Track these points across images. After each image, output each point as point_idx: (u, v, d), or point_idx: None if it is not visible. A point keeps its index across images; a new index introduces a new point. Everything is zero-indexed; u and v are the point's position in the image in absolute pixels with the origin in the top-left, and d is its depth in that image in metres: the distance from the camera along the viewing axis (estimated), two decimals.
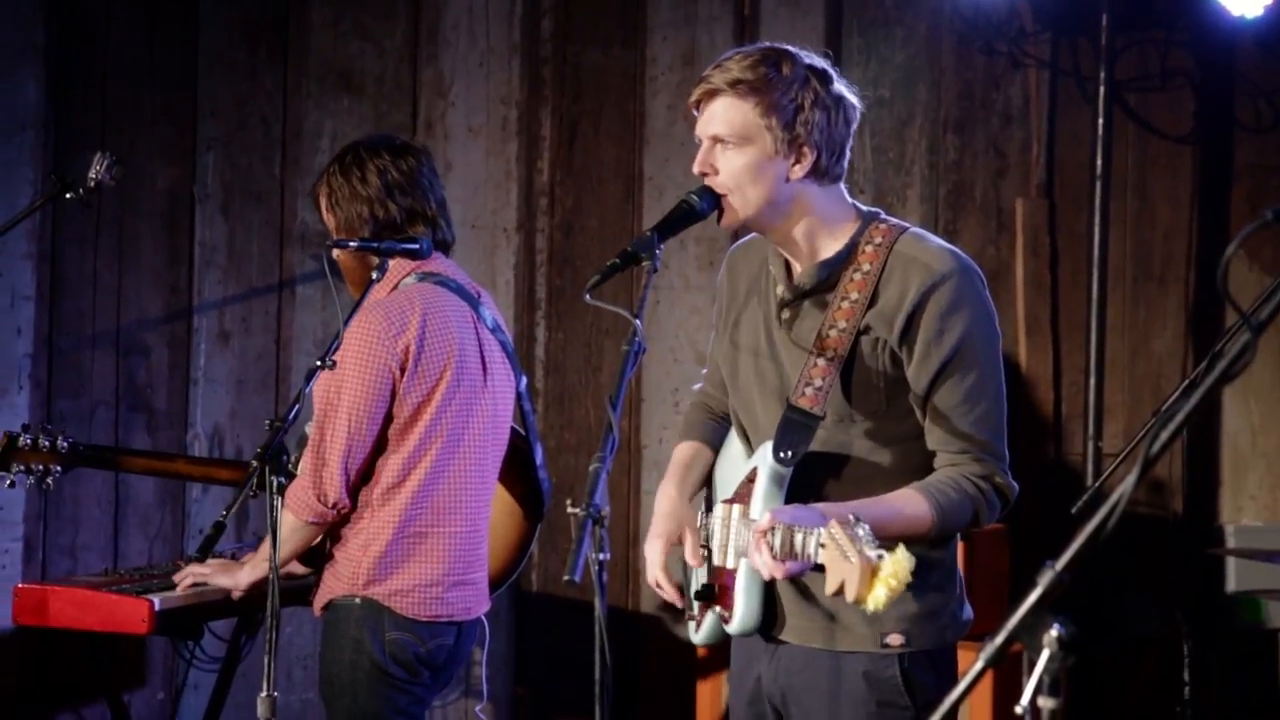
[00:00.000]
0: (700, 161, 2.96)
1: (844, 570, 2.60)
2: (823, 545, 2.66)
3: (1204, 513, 5.63)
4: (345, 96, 5.41)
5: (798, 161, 2.93)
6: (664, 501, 3.10)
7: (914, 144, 5.59)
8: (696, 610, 3.10)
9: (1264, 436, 5.67)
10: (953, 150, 5.62)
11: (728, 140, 2.92)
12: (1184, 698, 4.90)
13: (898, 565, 2.56)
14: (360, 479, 3.73)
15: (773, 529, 2.77)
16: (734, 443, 3.16)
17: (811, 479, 2.93)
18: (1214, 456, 5.67)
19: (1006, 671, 4.56)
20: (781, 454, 2.90)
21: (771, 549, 2.76)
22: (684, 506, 3.10)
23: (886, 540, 2.64)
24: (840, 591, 2.61)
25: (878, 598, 2.57)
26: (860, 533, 2.61)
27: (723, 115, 2.93)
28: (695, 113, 2.99)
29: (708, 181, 2.95)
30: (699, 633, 3.12)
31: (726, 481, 3.14)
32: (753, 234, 3.16)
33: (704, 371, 3.35)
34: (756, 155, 2.91)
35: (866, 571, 2.57)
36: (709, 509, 3.14)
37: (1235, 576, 5.32)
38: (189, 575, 3.98)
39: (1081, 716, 5.42)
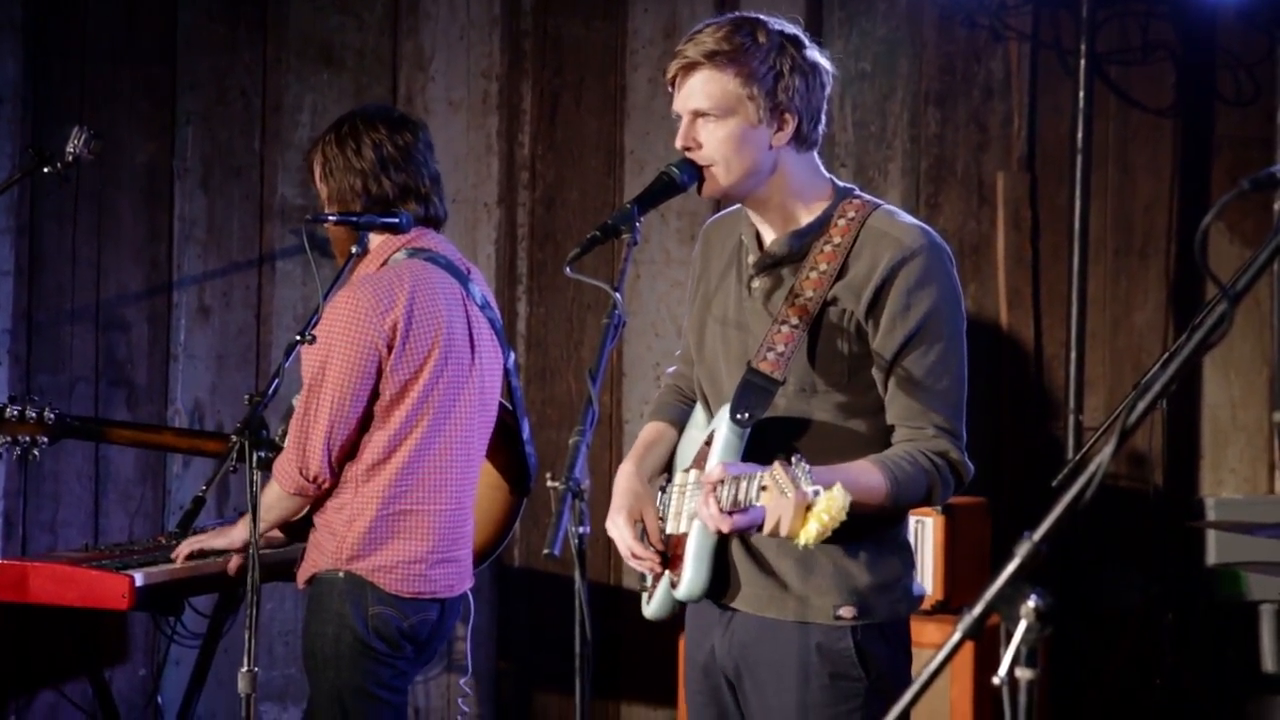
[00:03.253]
0: (683, 136, 2.94)
1: (780, 507, 2.59)
2: (764, 488, 2.66)
3: (1184, 486, 5.65)
4: (325, 70, 5.39)
5: (780, 129, 2.92)
6: (621, 479, 3.09)
7: (895, 117, 5.58)
8: (650, 582, 3.09)
9: (1244, 410, 5.68)
10: (934, 124, 5.62)
11: (709, 113, 2.91)
12: (1163, 670, 4.91)
13: (831, 501, 2.56)
14: (345, 454, 3.73)
15: (721, 481, 2.77)
16: (697, 415, 3.15)
17: (770, 446, 2.91)
18: (1194, 429, 5.69)
19: (986, 643, 4.57)
20: (739, 415, 2.89)
21: (719, 501, 2.75)
22: (642, 484, 3.08)
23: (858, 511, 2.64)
24: (776, 530, 2.61)
25: (809, 532, 2.57)
26: (799, 471, 2.61)
27: (702, 88, 2.91)
28: (671, 89, 2.97)
29: (690, 155, 2.94)
30: (650, 604, 3.09)
31: (682, 453, 3.14)
32: (729, 208, 3.16)
33: (677, 353, 3.34)
34: (739, 125, 2.90)
35: (800, 506, 2.57)
36: (668, 483, 3.14)
37: (1215, 549, 5.33)
38: (186, 546, 3.99)
39: (1061, 688, 5.43)
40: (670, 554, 3.02)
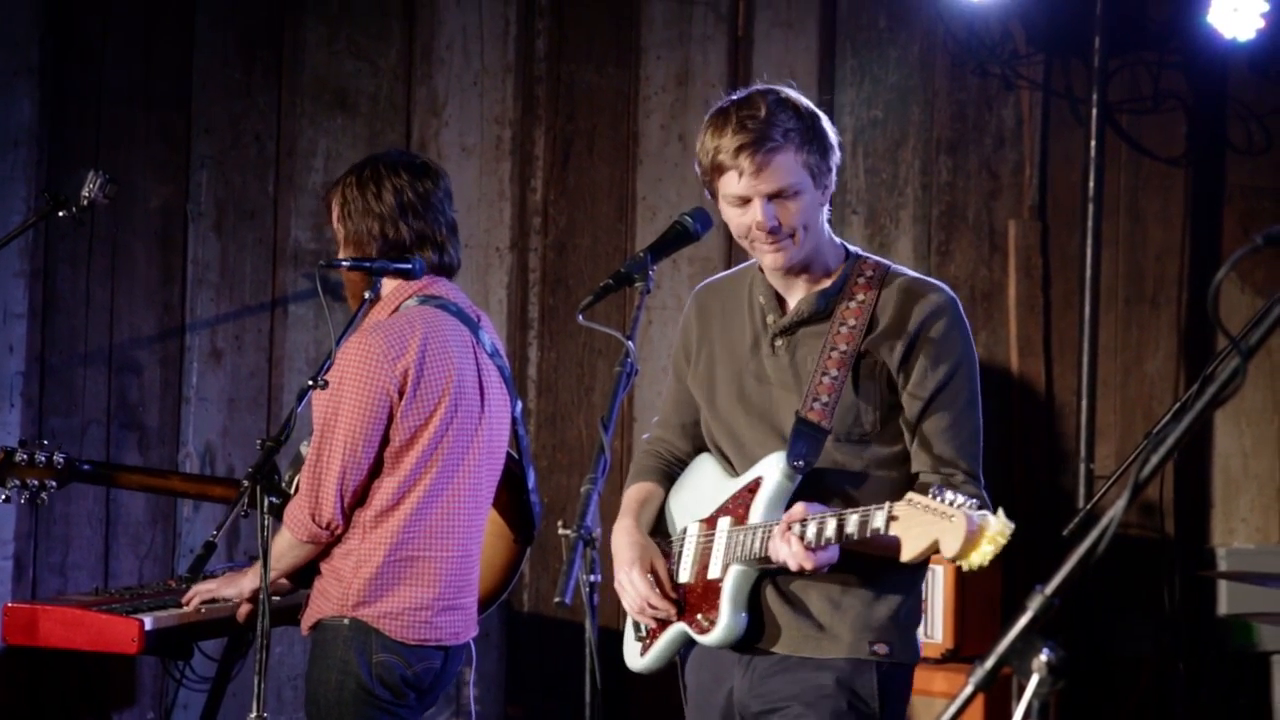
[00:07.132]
0: (768, 215, 2.96)
1: (938, 530, 2.64)
2: (894, 518, 2.71)
3: (1196, 535, 5.63)
4: (339, 115, 5.42)
5: (827, 198, 3.06)
6: (622, 534, 3.18)
7: (907, 165, 5.60)
8: (645, 633, 3.11)
9: (1255, 459, 5.67)
10: (946, 171, 5.63)
11: (790, 191, 2.97)
12: None
13: (1004, 525, 2.62)
14: (355, 500, 3.72)
15: (803, 520, 2.83)
16: (705, 468, 3.21)
17: (808, 494, 2.99)
18: (1206, 479, 5.68)
19: (997, 692, 4.55)
20: (796, 462, 2.97)
21: (804, 539, 2.80)
22: (645, 537, 3.17)
23: (864, 552, 2.75)
24: (923, 554, 2.66)
25: (984, 553, 2.63)
26: (949, 496, 2.66)
27: (785, 168, 2.97)
28: (737, 163, 2.96)
29: (774, 232, 2.98)
30: (646, 656, 3.16)
31: (691, 506, 3.19)
32: (718, 275, 3.28)
33: (655, 420, 3.38)
34: (811, 199, 3.01)
35: (979, 531, 2.61)
36: (684, 535, 3.17)
37: (1227, 599, 5.31)
38: (196, 594, 3.98)
39: None
40: (684, 602, 3.06)
